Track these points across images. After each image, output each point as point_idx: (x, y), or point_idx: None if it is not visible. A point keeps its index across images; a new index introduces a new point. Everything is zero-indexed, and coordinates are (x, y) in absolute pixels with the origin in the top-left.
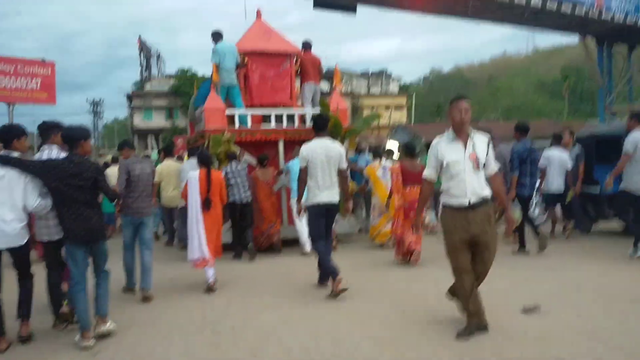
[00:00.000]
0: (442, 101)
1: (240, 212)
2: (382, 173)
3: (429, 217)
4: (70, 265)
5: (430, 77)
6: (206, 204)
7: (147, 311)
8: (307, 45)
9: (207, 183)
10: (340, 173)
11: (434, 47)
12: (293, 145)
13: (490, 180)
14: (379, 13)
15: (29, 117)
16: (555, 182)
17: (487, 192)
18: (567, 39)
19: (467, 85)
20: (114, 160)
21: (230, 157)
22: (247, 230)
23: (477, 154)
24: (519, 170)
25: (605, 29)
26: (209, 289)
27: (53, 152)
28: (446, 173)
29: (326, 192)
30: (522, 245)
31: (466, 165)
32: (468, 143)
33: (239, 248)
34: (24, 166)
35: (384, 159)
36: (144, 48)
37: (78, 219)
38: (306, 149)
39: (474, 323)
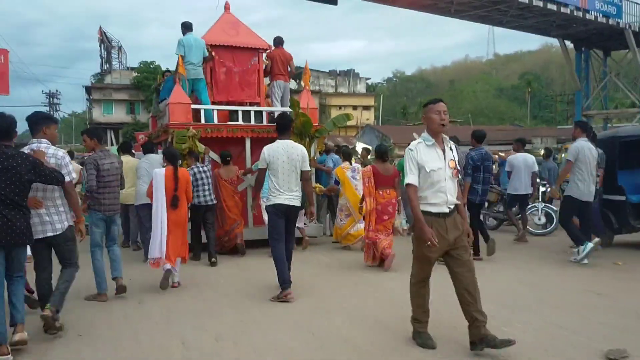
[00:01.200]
0: (407, 103)
1: (204, 214)
2: (352, 174)
3: (399, 220)
4: None
5: (393, 79)
6: (173, 202)
7: (107, 349)
8: (278, 41)
9: (174, 180)
10: (303, 175)
11: (398, 50)
12: (260, 143)
13: (460, 186)
14: (348, 12)
15: None
16: (521, 185)
17: (456, 200)
18: (527, 46)
19: (430, 87)
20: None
21: (195, 157)
22: (210, 234)
23: (456, 162)
24: (471, 177)
25: (586, 32)
26: (165, 286)
27: (42, 146)
28: (426, 180)
29: (286, 195)
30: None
31: (447, 173)
32: (445, 149)
33: (196, 249)
34: None
35: (354, 160)
36: (104, 39)
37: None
38: (268, 149)
39: (426, 333)
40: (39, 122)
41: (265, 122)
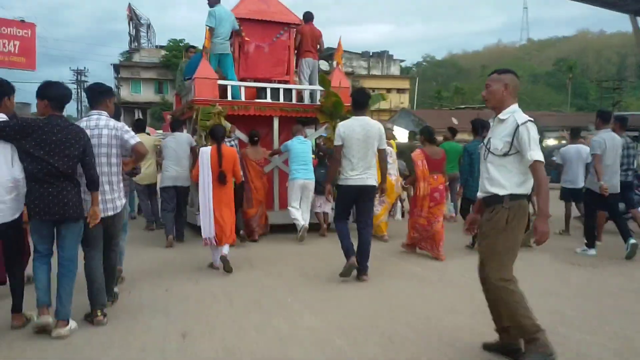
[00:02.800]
0: (440, 87)
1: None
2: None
3: (446, 208)
4: (35, 240)
5: (423, 63)
6: (220, 178)
7: None
8: (308, 17)
9: (218, 157)
10: (380, 154)
11: (428, 34)
12: (288, 122)
13: (531, 170)
14: None
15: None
16: (575, 179)
17: (496, 188)
18: (562, 32)
19: (460, 73)
20: None
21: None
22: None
23: (492, 139)
24: (467, 171)
25: None
26: (230, 270)
27: (102, 120)
28: None
29: (361, 173)
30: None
31: (481, 153)
32: (496, 125)
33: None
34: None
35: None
36: (133, 17)
37: (51, 193)
38: (343, 126)
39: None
40: (104, 94)
41: (294, 101)
